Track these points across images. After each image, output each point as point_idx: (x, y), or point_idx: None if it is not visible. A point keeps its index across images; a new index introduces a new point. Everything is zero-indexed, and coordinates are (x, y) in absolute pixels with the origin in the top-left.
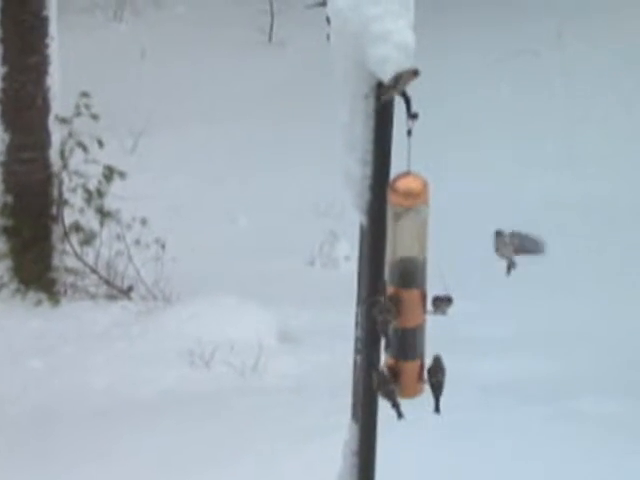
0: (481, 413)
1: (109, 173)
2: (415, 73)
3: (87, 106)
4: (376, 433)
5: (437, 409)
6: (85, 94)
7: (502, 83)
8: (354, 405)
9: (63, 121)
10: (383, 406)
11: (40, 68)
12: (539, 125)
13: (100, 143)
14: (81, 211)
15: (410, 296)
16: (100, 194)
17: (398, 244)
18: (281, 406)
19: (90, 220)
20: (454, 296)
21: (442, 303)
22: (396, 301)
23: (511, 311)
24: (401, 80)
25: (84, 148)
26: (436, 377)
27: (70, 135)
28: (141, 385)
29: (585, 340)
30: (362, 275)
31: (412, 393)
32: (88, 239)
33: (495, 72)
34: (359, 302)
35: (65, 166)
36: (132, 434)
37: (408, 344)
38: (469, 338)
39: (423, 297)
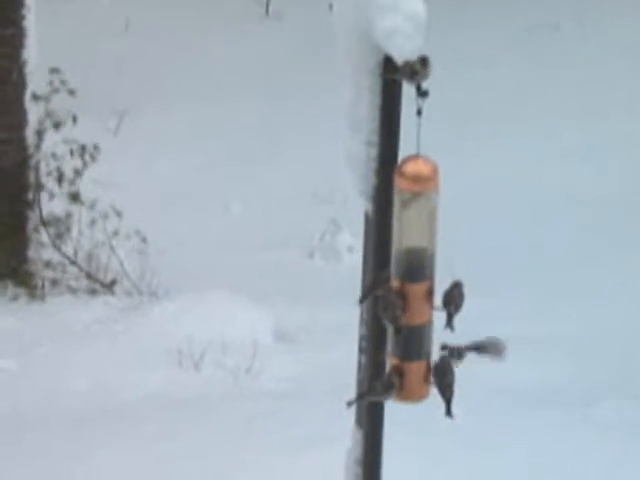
0: (495, 418)
1: (82, 151)
2: (424, 62)
3: (63, 82)
4: (382, 440)
5: (449, 412)
6: (55, 70)
7: (520, 59)
8: (358, 410)
9: (36, 98)
10: (389, 411)
11: (16, 41)
12: (558, 106)
13: (74, 118)
14: (51, 197)
15: (417, 290)
16: (74, 179)
17: (405, 234)
18: (278, 411)
19: (67, 208)
20: (466, 292)
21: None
22: (401, 296)
23: (529, 310)
24: (417, 73)
25: (56, 126)
26: (444, 378)
27: (48, 114)
28: (124, 388)
29: (607, 342)
30: (367, 268)
31: (417, 397)
32: (61, 231)
33: (512, 47)
34: (363, 297)
35: (38, 146)
36: (114, 442)
37: (413, 343)
38: (483, 337)
39: (430, 292)
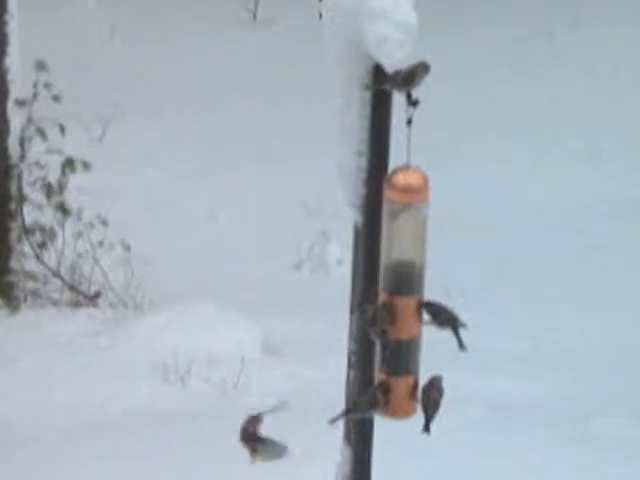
0: (489, 435)
1: (69, 165)
2: (426, 69)
3: (47, 85)
4: (371, 456)
5: (427, 429)
6: (41, 65)
7: (515, 67)
8: (346, 425)
9: (21, 103)
10: (380, 426)
11: None
12: (554, 114)
13: (62, 129)
14: (39, 208)
15: (405, 304)
16: (60, 189)
17: (394, 246)
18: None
19: (52, 218)
20: (457, 306)
21: None
22: (389, 309)
23: (527, 324)
24: (414, 79)
25: (43, 135)
26: (430, 394)
27: (30, 121)
28: (108, 403)
29: (603, 357)
30: (356, 281)
31: (402, 413)
32: (44, 240)
33: (507, 55)
34: (352, 310)
35: (23, 156)
36: (97, 458)
37: (401, 358)
38: (478, 353)
39: (419, 306)
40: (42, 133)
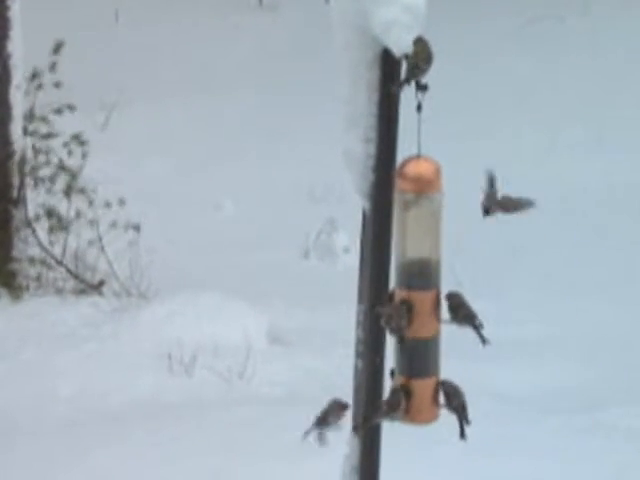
0: (500, 426)
1: (76, 140)
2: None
3: (52, 69)
4: (380, 447)
5: (462, 434)
6: (59, 47)
7: (524, 51)
8: (355, 416)
9: (34, 76)
10: None
11: (0, 32)
12: (564, 98)
13: (71, 107)
14: (48, 192)
15: (423, 299)
16: (70, 172)
17: (408, 239)
18: (271, 417)
19: (56, 204)
20: (468, 295)
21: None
22: (406, 307)
23: (534, 313)
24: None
25: (46, 122)
26: (457, 399)
27: (32, 111)
28: (112, 393)
29: (615, 346)
30: (364, 269)
31: (425, 418)
32: (64, 224)
33: (517, 39)
34: (360, 299)
35: (26, 142)
36: (102, 449)
37: (419, 358)
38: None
39: (437, 301)
40: (44, 120)
